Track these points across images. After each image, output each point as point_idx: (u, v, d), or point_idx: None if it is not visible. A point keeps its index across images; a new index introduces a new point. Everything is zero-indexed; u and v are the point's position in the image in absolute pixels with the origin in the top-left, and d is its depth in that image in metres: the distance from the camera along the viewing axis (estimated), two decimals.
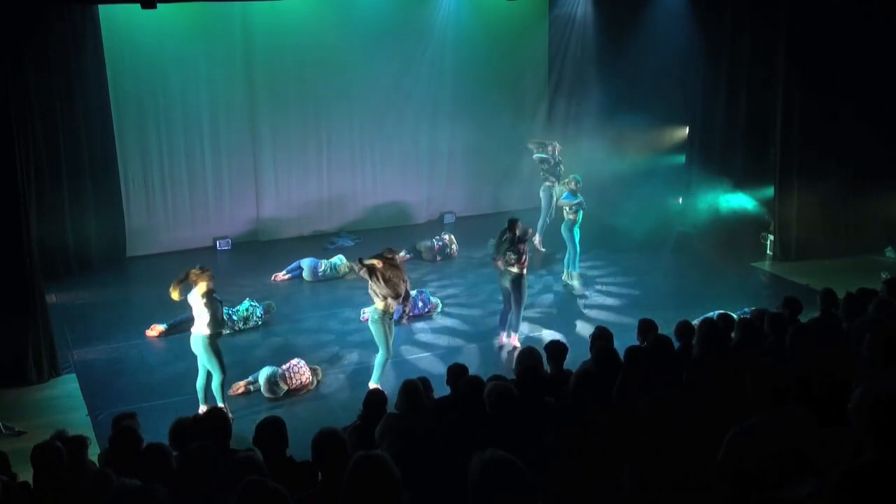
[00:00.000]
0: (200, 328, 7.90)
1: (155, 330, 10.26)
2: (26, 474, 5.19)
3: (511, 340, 9.70)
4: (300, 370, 8.82)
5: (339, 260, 12.39)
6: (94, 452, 5.82)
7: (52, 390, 9.11)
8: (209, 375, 8.05)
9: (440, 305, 10.92)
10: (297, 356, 9.25)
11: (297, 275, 12.27)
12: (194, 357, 9.47)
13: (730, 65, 13.26)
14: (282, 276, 12.27)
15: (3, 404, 8.62)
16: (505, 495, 2.95)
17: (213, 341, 7.91)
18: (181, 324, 9.82)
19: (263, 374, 8.75)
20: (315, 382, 8.94)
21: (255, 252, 13.53)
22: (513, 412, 4.82)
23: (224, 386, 8.10)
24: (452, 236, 13.34)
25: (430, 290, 11.26)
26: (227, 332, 10.05)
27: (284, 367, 8.84)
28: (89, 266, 12.61)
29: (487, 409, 4.91)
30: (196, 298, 7.88)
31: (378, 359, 8.55)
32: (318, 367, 9.17)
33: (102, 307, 11.33)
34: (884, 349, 4.81)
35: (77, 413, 8.51)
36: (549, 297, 11.42)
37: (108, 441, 5.32)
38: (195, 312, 7.94)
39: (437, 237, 13.31)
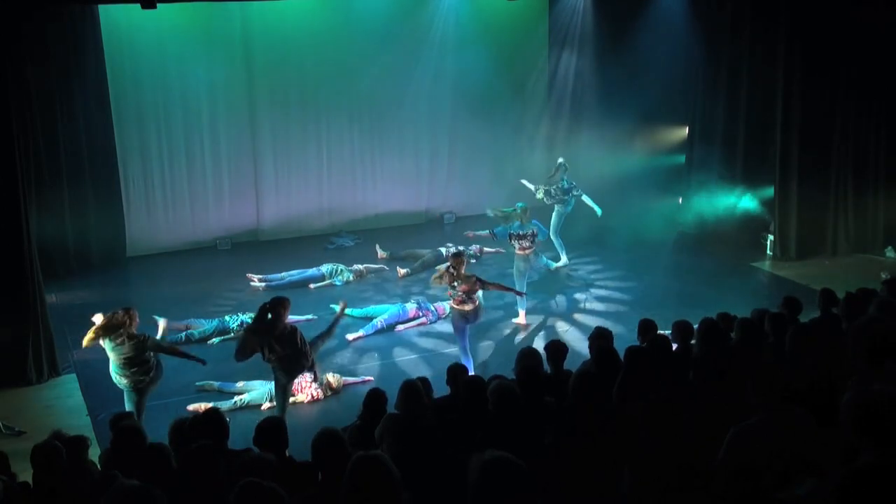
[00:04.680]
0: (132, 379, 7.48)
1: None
2: (26, 474, 5.20)
3: None
4: (305, 385, 8.65)
5: (339, 280, 12.07)
6: (94, 453, 5.82)
7: (52, 390, 9.11)
8: None
9: (448, 308, 10.82)
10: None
11: (273, 285, 11.81)
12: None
13: (730, 65, 13.27)
14: (256, 281, 11.92)
15: (3, 404, 8.62)
16: (505, 495, 2.95)
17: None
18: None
19: (260, 391, 8.59)
20: (328, 393, 8.77)
21: (255, 252, 13.52)
22: (515, 412, 4.82)
23: None
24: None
25: (428, 298, 11.20)
26: (218, 340, 10.07)
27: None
28: (89, 266, 12.61)
29: (490, 408, 4.91)
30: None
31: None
32: (330, 374, 8.92)
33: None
34: (869, 348, 4.78)
35: (77, 413, 8.52)
36: (546, 297, 11.41)
37: (111, 440, 5.31)
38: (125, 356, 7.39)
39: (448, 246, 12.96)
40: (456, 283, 8.74)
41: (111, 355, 7.46)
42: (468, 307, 8.84)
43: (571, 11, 15.04)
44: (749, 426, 4.11)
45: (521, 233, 10.40)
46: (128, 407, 7.57)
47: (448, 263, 9.09)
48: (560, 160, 12.63)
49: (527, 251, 10.41)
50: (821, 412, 4.28)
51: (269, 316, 7.57)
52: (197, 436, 4.83)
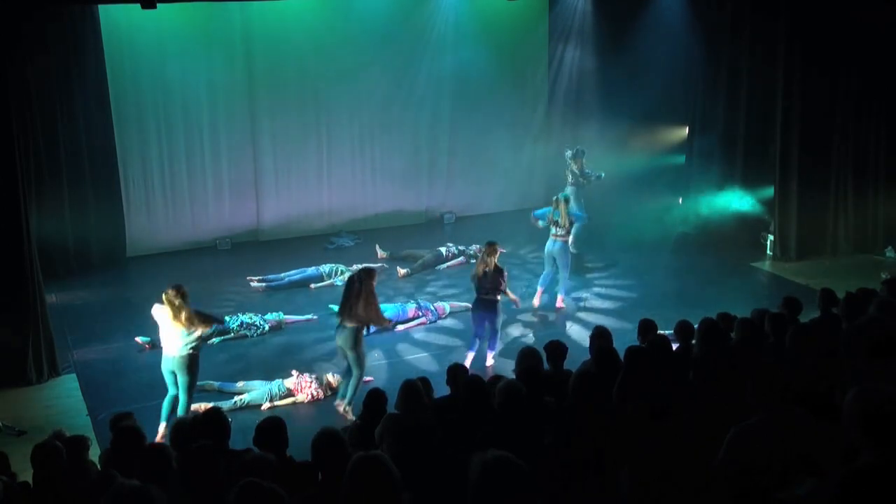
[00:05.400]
0: (187, 348, 7.61)
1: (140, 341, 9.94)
2: (26, 474, 5.20)
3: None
4: (306, 385, 8.68)
5: (339, 280, 12.01)
6: (94, 453, 5.82)
7: (52, 390, 9.11)
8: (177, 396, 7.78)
9: (447, 308, 10.86)
10: (295, 359, 9.24)
11: (274, 285, 11.87)
12: None
13: (730, 65, 13.27)
14: (256, 282, 11.93)
15: (3, 404, 8.62)
16: (505, 495, 2.95)
17: (197, 362, 7.68)
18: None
19: (260, 391, 8.63)
20: (329, 393, 8.76)
21: (255, 252, 13.52)
22: (521, 411, 4.80)
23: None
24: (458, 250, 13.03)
25: (427, 298, 11.23)
26: (218, 340, 10.03)
27: (290, 382, 8.73)
28: (89, 266, 12.60)
29: (496, 407, 4.90)
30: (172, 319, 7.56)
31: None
32: (330, 374, 8.94)
33: (102, 307, 11.33)
34: (869, 348, 4.79)
35: (77, 413, 8.51)
36: (547, 298, 11.40)
37: (111, 440, 5.31)
38: (168, 333, 7.63)
39: (448, 246, 13.06)
40: (487, 271, 8.98)
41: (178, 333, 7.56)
42: (492, 297, 9.04)
43: (571, 11, 15.05)
44: (749, 426, 4.11)
45: (556, 220, 10.71)
46: (182, 386, 7.63)
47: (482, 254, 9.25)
48: (578, 147, 12.80)
49: (558, 237, 10.72)
50: (821, 412, 4.29)
51: (359, 284, 8.15)
52: (198, 436, 4.83)
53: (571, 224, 10.85)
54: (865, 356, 4.79)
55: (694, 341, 6.45)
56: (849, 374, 4.76)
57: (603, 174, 12.60)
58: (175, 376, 7.73)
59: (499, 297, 9.09)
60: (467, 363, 8.44)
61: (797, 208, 12.67)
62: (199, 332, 7.64)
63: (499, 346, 9.37)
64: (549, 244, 10.84)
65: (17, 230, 9.03)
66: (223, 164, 13.75)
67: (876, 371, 4.62)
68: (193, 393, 7.81)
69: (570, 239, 10.99)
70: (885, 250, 12.81)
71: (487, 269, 9.01)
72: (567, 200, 10.80)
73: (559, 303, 11.05)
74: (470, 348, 9.19)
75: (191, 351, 7.62)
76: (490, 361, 9.26)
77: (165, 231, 13.52)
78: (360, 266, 12.26)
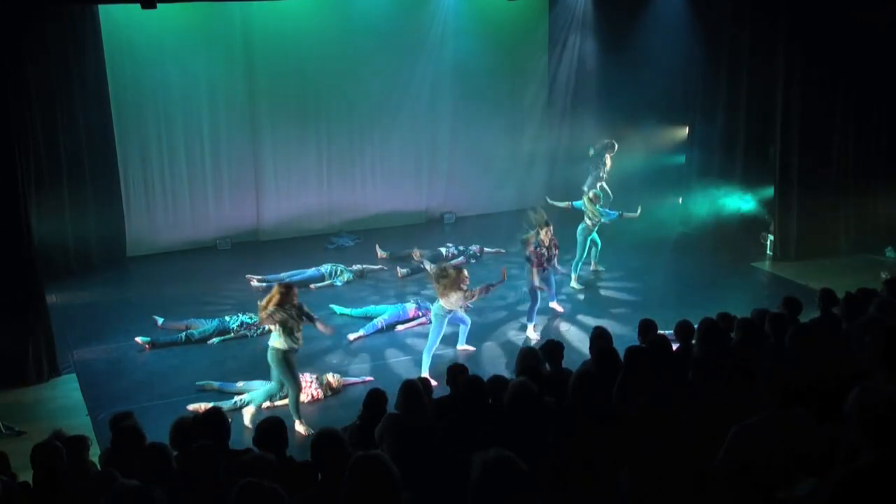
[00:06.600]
0: (273, 341, 7.82)
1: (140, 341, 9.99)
2: (26, 474, 5.20)
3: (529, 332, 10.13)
4: (306, 385, 8.65)
5: (339, 280, 12.11)
6: (94, 453, 5.82)
7: (52, 390, 9.11)
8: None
9: None
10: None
11: (273, 285, 11.96)
12: (194, 356, 9.46)
13: (730, 64, 13.28)
14: (256, 281, 11.92)
15: (3, 404, 8.61)
16: (505, 495, 2.95)
17: (286, 356, 7.79)
18: (166, 344, 9.89)
19: (260, 391, 8.59)
20: (329, 393, 8.76)
21: (255, 252, 13.52)
22: (529, 411, 4.79)
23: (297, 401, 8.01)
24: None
25: (428, 298, 11.24)
26: (218, 340, 10.02)
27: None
28: (89, 266, 12.60)
29: (505, 406, 4.89)
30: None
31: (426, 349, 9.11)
32: (330, 375, 8.96)
33: (102, 307, 11.33)
34: (884, 348, 4.79)
35: (77, 413, 8.50)
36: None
37: (111, 440, 5.31)
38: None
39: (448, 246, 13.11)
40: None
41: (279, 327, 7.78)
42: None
43: (571, 11, 15.05)
44: (749, 426, 4.12)
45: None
46: (283, 373, 7.82)
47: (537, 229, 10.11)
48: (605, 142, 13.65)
49: (587, 221, 11.78)
50: (821, 412, 4.29)
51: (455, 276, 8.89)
52: (198, 436, 4.83)
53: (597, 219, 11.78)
54: (869, 357, 4.79)
55: (694, 341, 6.45)
56: (851, 374, 4.77)
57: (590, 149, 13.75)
58: None
59: (533, 269, 9.95)
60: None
61: (797, 208, 12.66)
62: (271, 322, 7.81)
63: (534, 317, 10.19)
64: (582, 224, 11.81)
65: (17, 230, 9.03)
66: (223, 165, 13.75)
67: (879, 372, 4.62)
68: (295, 385, 7.92)
69: (591, 224, 11.74)
70: (885, 250, 12.80)
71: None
72: (597, 196, 11.81)
73: (573, 282, 11.82)
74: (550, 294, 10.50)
75: (275, 345, 7.79)
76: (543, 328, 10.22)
77: (165, 231, 13.52)
78: (359, 266, 12.40)
